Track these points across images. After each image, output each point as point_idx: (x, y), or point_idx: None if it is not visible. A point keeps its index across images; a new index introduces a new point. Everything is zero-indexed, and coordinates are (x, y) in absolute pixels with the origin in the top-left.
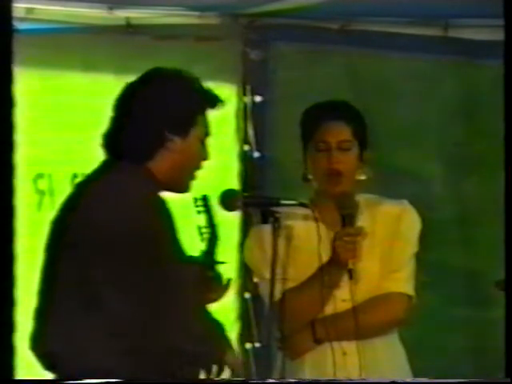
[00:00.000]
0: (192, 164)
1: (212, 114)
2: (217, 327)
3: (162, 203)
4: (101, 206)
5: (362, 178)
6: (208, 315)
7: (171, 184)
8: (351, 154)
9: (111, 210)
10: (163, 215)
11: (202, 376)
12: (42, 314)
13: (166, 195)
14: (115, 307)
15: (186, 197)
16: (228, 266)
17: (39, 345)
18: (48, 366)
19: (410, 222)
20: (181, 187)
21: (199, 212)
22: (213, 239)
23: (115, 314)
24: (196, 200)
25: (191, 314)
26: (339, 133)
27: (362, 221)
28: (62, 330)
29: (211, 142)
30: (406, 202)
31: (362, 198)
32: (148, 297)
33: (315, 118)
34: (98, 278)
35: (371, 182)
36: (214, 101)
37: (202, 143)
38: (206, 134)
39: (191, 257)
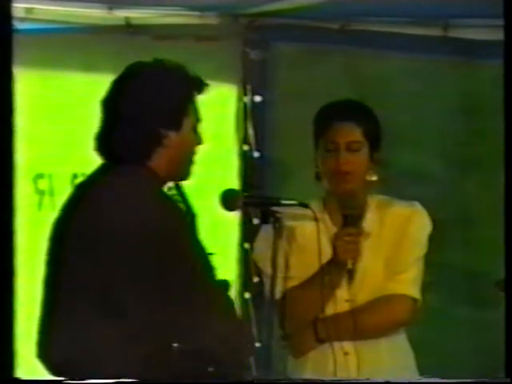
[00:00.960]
0: (189, 153)
1: (212, 112)
2: (238, 324)
3: (170, 200)
4: (112, 210)
5: (373, 178)
6: (230, 311)
7: (172, 176)
8: (360, 155)
9: (123, 214)
10: (173, 212)
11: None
12: (52, 321)
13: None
14: (136, 310)
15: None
16: (228, 266)
17: (49, 352)
18: (59, 374)
19: (418, 224)
20: (181, 176)
21: None
22: (193, 229)
23: (137, 317)
24: (169, 189)
25: (215, 312)
26: (348, 133)
27: (369, 221)
28: (79, 337)
29: (212, 141)
30: (417, 204)
31: (373, 198)
32: (168, 296)
33: (327, 118)
34: (115, 283)
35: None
36: (199, 86)
37: (195, 130)
38: (198, 120)
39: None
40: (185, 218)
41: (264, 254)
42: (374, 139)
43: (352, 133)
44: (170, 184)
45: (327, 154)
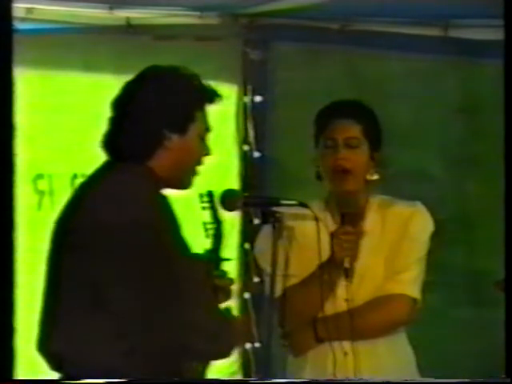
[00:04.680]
0: (192, 161)
1: (211, 111)
2: (225, 320)
3: (165, 201)
4: (104, 206)
5: (374, 178)
6: (217, 310)
7: (173, 181)
8: (359, 152)
9: (114, 211)
10: (166, 213)
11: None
12: (49, 315)
13: (169, 192)
14: (122, 306)
15: (191, 193)
16: (228, 266)
17: (46, 345)
18: (55, 367)
19: (419, 224)
20: (183, 184)
21: (204, 208)
22: (218, 236)
23: (123, 314)
24: (201, 196)
25: (200, 310)
26: (347, 130)
27: (371, 221)
28: (70, 330)
29: (212, 141)
30: (418, 204)
31: (374, 199)
32: (155, 295)
33: (326, 117)
34: (104, 278)
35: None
36: (212, 96)
37: (202, 139)
38: (206, 129)
39: (197, 254)
40: (173, 219)
41: (264, 253)
42: (374, 138)
43: (350, 129)
44: (203, 192)
45: (326, 150)
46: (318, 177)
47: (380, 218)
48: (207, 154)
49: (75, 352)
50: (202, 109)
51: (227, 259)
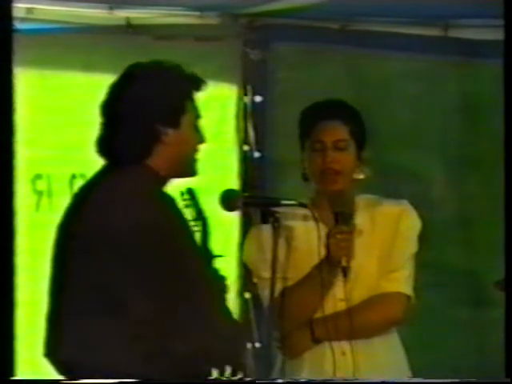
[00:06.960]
0: (189, 151)
1: (201, 100)
2: (236, 325)
3: (169, 199)
4: (110, 210)
5: (360, 177)
6: (229, 313)
7: (174, 174)
8: (348, 154)
9: (121, 213)
10: (172, 210)
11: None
12: (58, 320)
13: (171, 190)
14: (137, 309)
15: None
16: (228, 266)
17: (56, 351)
18: (66, 373)
19: (409, 222)
20: (184, 174)
21: (187, 206)
22: (204, 232)
23: (138, 316)
24: (182, 194)
25: (214, 310)
26: (335, 132)
27: (360, 220)
28: (83, 336)
29: (212, 141)
30: (405, 202)
31: (361, 198)
32: (168, 297)
33: (312, 118)
34: (117, 282)
35: (371, 182)
36: (197, 83)
37: (196, 128)
38: (197, 117)
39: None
40: (181, 217)
41: (256, 257)
42: (360, 138)
43: (338, 131)
44: (183, 190)
45: (314, 153)
46: (304, 178)
47: (369, 216)
48: (202, 142)
49: (89, 357)
50: (190, 98)
51: (219, 255)
